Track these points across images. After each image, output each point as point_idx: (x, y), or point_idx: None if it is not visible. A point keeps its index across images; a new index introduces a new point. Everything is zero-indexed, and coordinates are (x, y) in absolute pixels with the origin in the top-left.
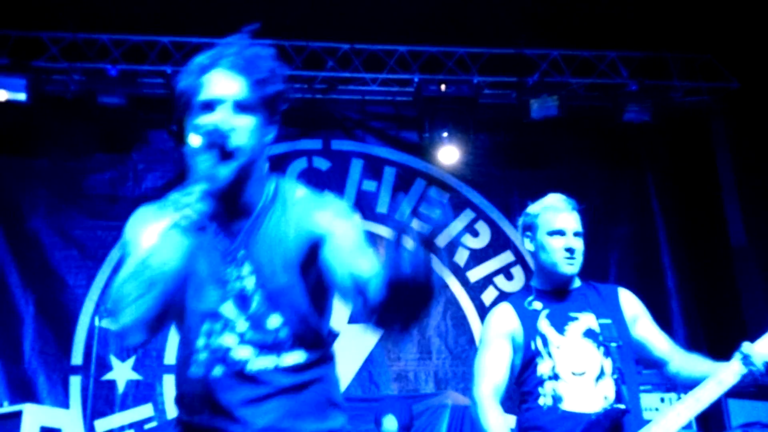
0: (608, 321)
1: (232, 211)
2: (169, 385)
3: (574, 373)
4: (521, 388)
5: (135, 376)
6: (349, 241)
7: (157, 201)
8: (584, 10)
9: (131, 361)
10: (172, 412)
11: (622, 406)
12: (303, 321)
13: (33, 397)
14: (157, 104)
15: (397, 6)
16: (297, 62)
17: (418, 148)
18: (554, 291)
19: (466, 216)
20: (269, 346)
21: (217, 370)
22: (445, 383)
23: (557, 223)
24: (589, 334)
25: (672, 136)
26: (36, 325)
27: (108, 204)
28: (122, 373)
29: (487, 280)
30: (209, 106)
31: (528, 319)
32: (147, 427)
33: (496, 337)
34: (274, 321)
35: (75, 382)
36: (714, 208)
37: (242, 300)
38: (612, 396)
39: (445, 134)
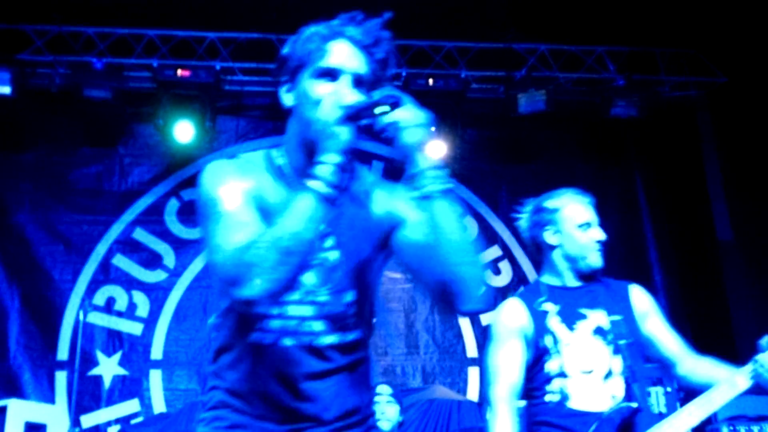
0: (619, 318)
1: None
2: (155, 381)
3: (582, 371)
4: (528, 384)
5: (121, 372)
6: (423, 230)
7: (230, 156)
8: (572, 4)
9: (117, 356)
10: (158, 407)
11: (634, 405)
12: (369, 299)
13: (18, 392)
14: (143, 98)
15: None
16: None
17: None
18: (567, 287)
19: None
20: (341, 321)
21: (288, 341)
22: (433, 378)
23: (586, 216)
24: (599, 331)
25: (659, 131)
26: (21, 320)
27: (94, 198)
28: (108, 368)
29: None
30: (330, 74)
31: (538, 318)
32: (133, 422)
33: (509, 335)
34: (350, 297)
35: (61, 377)
36: (700, 202)
37: (325, 272)
38: (621, 394)
39: (433, 129)
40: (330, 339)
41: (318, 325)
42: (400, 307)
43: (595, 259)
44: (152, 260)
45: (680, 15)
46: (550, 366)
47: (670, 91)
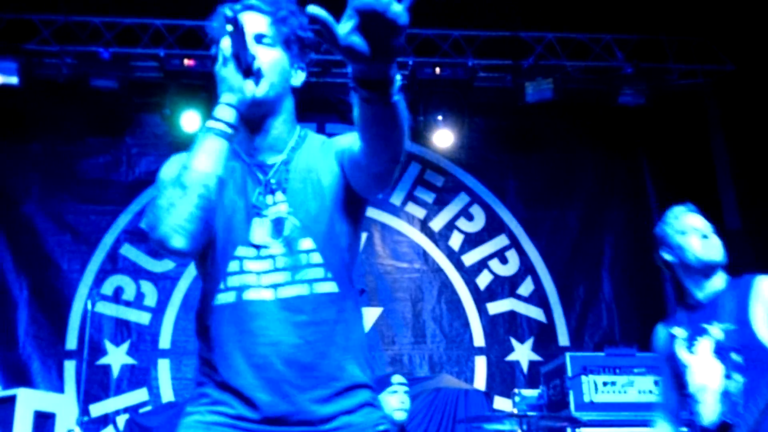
0: (734, 327)
1: (263, 146)
2: (163, 370)
3: (702, 390)
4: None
5: (130, 361)
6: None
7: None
8: None
9: (126, 345)
10: (166, 396)
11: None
12: (338, 250)
13: (27, 381)
14: (150, 87)
15: None
16: None
17: (413, 132)
18: (689, 304)
19: (461, 200)
20: (302, 270)
21: (250, 294)
22: (440, 367)
23: (688, 223)
24: (717, 350)
25: (667, 119)
26: (30, 310)
27: (101, 188)
28: (117, 357)
29: (482, 264)
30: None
31: (671, 344)
32: (142, 411)
33: (662, 362)
34: (307, 244)
35: (69, 366)
36: (709, 191)
37: (276, 224)
38: (729, 411)
39: (440, 117)
40: (296, 290)
41: (279, 276)
42: (407, 297)
43: (703, 250)
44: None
45: (688, 3)
46: (685, 388)
47: (678, 79)
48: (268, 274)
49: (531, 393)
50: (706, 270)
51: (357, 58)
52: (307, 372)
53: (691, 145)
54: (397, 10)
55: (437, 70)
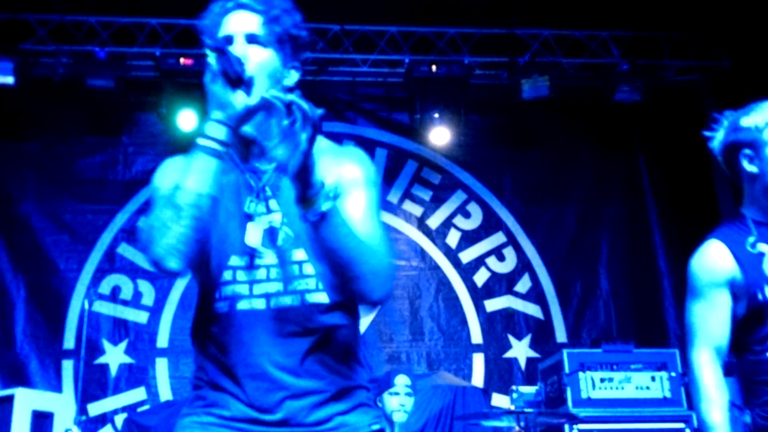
0: None
1: (256, 151)
2: (161, 369)
3: None
4: (744, 337)
5: (127, 360)
6: (357, 211)
7: (185, 154)
8: None
9: (123, 344)
10: (165, 395)
11: None
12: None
13: (25, 381)
14: (146, 87)
15: None
16: None
17: (410, 130)
18: None
19: (458, 197)
20: (296, 280)
21: (243, 304)
22: (438, 364)
23: None
24: None
25: (663, 116)
26: (27, 309)
27: (98, 187)
28: (115, 356)
29: (479, 261)
30: (226, 41)
31: (751, 263)
32: (140, 410)
33: (713, 287)
34: (300, 255)
35: (67, 366)
36: (705, 187)
37: (269, 233)
38: None
39: (436, 115)
40: (288, 299)
41: (272, 286)
42: (405, 294)
43: None
44: None
45: None
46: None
47: (674, 75)
48: (260, 284)
49: (528, 390)
50: None
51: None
52: (301, 379)
53: (687, 142)
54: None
55: (433, 67)
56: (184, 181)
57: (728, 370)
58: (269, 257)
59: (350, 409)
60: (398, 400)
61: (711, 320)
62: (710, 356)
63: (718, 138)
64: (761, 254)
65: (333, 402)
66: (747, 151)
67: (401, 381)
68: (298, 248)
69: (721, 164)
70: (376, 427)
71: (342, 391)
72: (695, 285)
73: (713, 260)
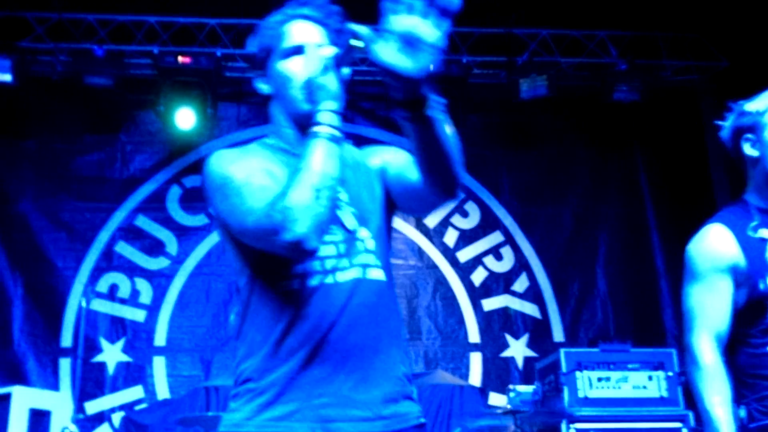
0: None
1: None
2: (159, 367)
3: None
4: (743, 329)
5: (125, 358)
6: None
7: (234, 146)
8: None
9: (121, 343)
10: (162, 393)
11: None
12: (383, 241)
13: (22, 379)
14: (144, 85)
15: None
16: None
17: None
18: None
19: None
20: (358, 255)
21: (313, 281)
22: (435, 363)
23: None
24: None
25: (661, 116)
26: (25, 307)
27: (96, 186)
28: (112, 355)
29: (477, 261)
30: (297, 51)
31: (754, 250)
32: (137, 408)
33: (714, 272)
34: (364, 233)
35: (65, 364)
36: (703, 186)
37: (338, 212)
38: None
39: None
40: (353, 273)
41: (343, 262)
42: (402, 293)
43: None
44: (155, 247)
45: None
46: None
47: (673, 75)
48: (330, 259)
49: (526, 389)
50: None
51: (395, 78)
52: (371, 365)
53: (685, 141)
54: (436, 36)
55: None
56: (314, 165)
57: None
58: (336, 233)
59: (401, 399)
60: None
61: (712, 305)
62: (711, 342)
63: (726, 126)
64: (763, 240)
65: (399, 395)
66: (749, 136)
67: None
68: (362, 227)
69: (730, 152)
70: (423, 420)
71: (402, 379)
72: (695, 269)
73: (716, 245)
